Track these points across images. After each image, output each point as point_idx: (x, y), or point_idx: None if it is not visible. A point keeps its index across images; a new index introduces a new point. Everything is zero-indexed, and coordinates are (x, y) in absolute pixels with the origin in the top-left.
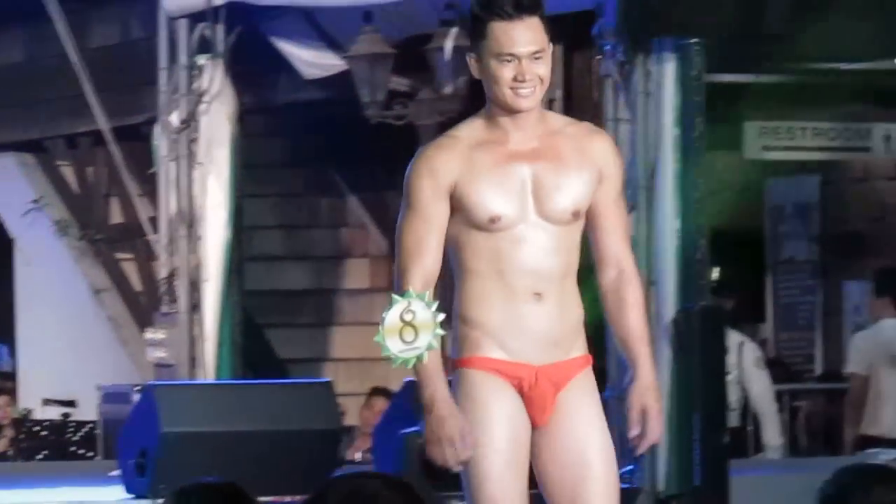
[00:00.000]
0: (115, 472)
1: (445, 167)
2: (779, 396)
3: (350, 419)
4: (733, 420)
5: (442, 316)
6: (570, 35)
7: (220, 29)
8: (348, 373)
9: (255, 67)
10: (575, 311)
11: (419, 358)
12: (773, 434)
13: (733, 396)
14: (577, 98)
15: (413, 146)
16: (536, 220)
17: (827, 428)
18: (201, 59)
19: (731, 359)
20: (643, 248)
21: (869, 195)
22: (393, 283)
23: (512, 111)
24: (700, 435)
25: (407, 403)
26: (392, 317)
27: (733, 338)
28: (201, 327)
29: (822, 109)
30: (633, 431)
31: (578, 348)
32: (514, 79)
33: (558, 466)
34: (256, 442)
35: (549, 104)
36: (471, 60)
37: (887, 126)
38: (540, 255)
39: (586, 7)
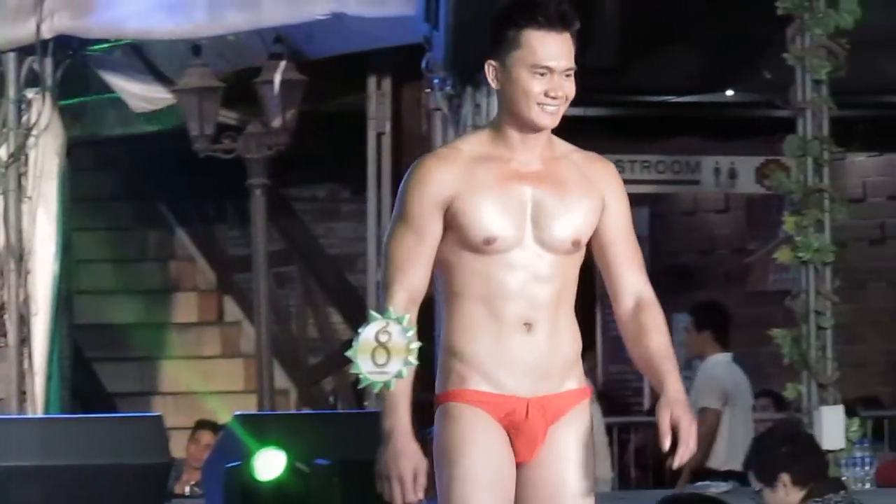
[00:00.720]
0: None
1: (443, 180)
2: (609, 429)
3: (179, 452)
4: None
5: (417, 344)
6: (399, 68)
7: (49, 62)
8: (177, 406)
9: (84, 101)
10: (569, 342)
11: (386, 385)
12: (603, 467)
13: None
14: (406, 130)
15: (242, 179)
16: (533, 245)
17: (656, 461)
18: (30, 93)
19: None
20: None
21: (698, 228)
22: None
23: (531, 128)
24: None
25: (235, 436)
26: (367, 335)
27: None
28: (30, 361)
29: (652, 142)
30: (665, 443)
31: (573, 380)
32: (545, 93)
33: (535, 502)
34: (86, 476)
35: (378, 138)
36: (489, 68)
37: (717, 159)
38: (532, 283)
39: (415, 41)
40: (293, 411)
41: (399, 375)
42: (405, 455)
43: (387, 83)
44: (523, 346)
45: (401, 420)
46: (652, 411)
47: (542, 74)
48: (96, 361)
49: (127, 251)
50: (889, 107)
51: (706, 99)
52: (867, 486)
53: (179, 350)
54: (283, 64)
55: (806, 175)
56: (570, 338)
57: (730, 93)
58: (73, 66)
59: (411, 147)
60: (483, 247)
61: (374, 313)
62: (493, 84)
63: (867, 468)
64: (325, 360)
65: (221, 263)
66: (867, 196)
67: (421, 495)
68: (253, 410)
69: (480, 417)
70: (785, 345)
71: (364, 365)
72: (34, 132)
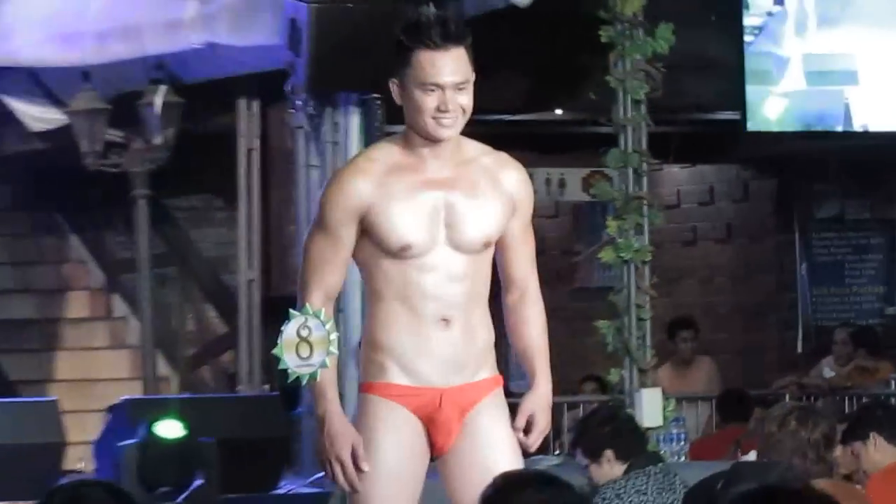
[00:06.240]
0: None
1: (359, 191)
2: None
3: (73, 433)
4: None
5: (335, 335)
6: (265, 91)
7: None
8: (71, 392)
9: None
10: (483, 335)
11: (312, 376)
12: None
13: None
14: (272, 146)
15: (127, 191)
16: (446, 248)
17: None
18: None
19: None
20: None
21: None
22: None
23: (432, 140)
24: None
25: (123, 418)
26: (289, 331)
27: None
28: None
29: None
30: (518, 434)
31: (487, 370)
32: (437, 108)
33: (468, 488)
34: None
35: (248, 153)
36: (392, 86)
37: (548, 171)
38: (448, 283)
39: (279, 67)
40: (175, 395)
41: (323, 365)
42: (341, 436)
43: (255, 105)
44: (440, 340)
45: (331, 404)
46: None
47: (432, 91)
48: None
49: (25, 255)
50: (699, 123)
51: (538, 118)
52: (682, 459)
53: (73, 342)
54: (162, 88)
55: (627, 184)
56: (483, 330)
57: (559, 112)
58: None
59: (277, 161)
60: (400, 253)
61: (293, 311)
62: (397, 100)
63: (682, 443)
64: (201, 351)
65: (109, 265)
66: (681, 203)
67: (366, 467)
68: (139, 395)
69: (396, 412)
70: (608, 335)
71: (290, 360)
72: None
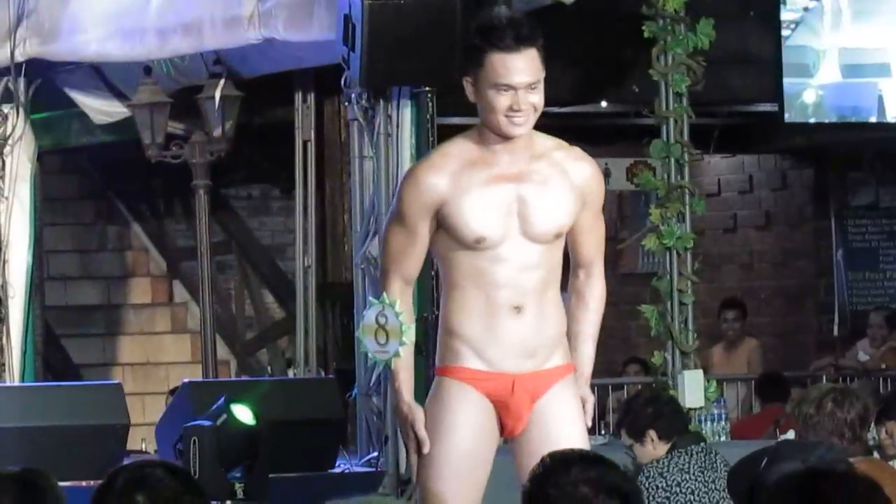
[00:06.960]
0: None
1: (434, 187)
2: None
3: (135, 415)
4: None
5: (408, 326)
6: (321, 85)
7: (22, 82)
8: (134, 375)
9: (52, 114)
10: (554, 322)
11: (387, 363)
12: None
13: None
14: (328, 139)
15: (187, 181)
16: (520, 239)
17: None
18: (5, 108)
19: None
20: None
21: None
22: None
23: (505, 136)
24: None
25: (185, 400)
26: (369, 318)
27: None
28: (8, 338)
29: None
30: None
31: (558, 357)
32: (510, 108)
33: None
34: (56, 435)
35: (304, 145)
36: (466, 84)
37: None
38: (521, 272)
39: (334, 61)
40: (234, 378)
41: (396, 354)
42: (408, 419)
43: (311, 98)
44: (513, 327)
45: (400, 391)
46: None
47: (505, 91)
48: (64, 338)
49: (89, 243)
50: (739, 115)
51: (584, 110)
52: (722, 438)
53: (135, 327)
54: (222, 82)
55: (669, 174)
56: (554, 318)
57: (604, 104)
58: (43, 84)
59: (332, 153)
60: (474, 245)
61: (372, 299)
62: (471, 97)
63: (722, 423)
64: (259, 335)
65: (170, 253)
66: (721, 191)
67: (426, 450)
68: (199, 378)
69: (469, 394)
70: (652, 318)
71: (370, 344)
72: (10, 142)
